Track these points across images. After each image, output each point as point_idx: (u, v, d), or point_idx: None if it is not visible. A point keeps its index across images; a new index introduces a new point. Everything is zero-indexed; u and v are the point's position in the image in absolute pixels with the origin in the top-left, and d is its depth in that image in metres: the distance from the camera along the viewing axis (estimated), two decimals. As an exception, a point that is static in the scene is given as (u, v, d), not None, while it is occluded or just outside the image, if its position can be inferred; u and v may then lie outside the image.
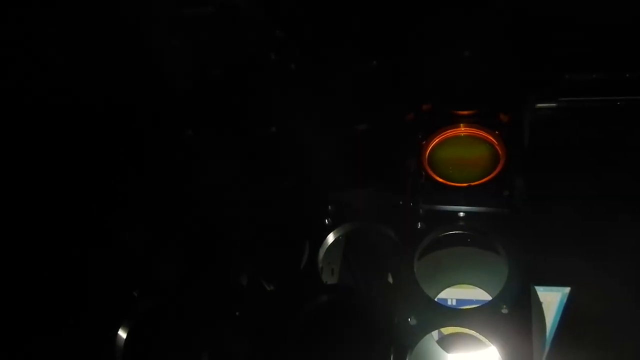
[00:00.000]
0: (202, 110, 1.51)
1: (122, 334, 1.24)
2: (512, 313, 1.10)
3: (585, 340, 1.39)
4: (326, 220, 1.31)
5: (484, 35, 1.37)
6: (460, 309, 1.18)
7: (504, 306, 1.11)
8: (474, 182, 1.25)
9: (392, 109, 1.37)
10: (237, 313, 1.25)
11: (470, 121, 1.33)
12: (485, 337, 1.10)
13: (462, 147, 1.32)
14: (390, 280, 1.45)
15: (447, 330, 1.34)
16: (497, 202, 1.22)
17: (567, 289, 1.47)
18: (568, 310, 1.46)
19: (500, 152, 1.28)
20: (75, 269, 1.33)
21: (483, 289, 1.44)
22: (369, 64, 1.43)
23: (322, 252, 1.28)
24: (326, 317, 1.18)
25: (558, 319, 1.48)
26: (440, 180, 1.27)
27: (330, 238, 1.29)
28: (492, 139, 1.30)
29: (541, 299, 1.28)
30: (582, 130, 1.39)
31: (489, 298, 1.40)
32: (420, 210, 1.26)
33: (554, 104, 1.38)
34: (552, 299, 1.48)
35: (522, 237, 1.18)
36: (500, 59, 1.36)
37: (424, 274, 1.23)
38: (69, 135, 1.45)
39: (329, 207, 1.32)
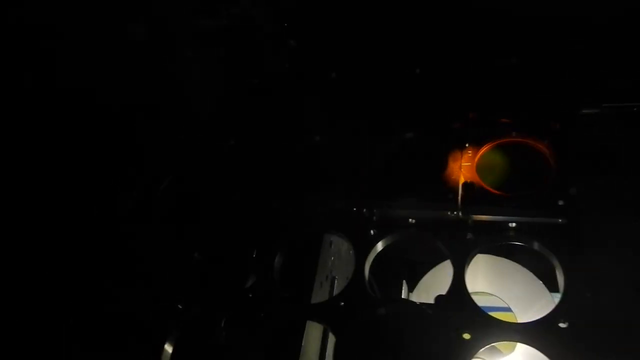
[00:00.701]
0: (238, 121, 1.50)
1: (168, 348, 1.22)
2: (571, 327, 1.07)
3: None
4: (371, 232, 1.28)
5: (531, 42, 1.34)
6: (517, 323, 1.15)
7: (562, 320, 1.08)
8: (524, 191, 1.22)
9: (439, 117, 1.35)
10: (255, 319, 1.23)
11: (519, 129, 1.29)
12: (543, 352, 1.07)
13: (511, 155, 1.28)
14: (405, 289, 1.43)
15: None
16: (550, 211, 1.19)
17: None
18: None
19: (551, 160, 1.25)
20: (77, 270, 1.32)
21: (498, 296, 1.42)
22: (415, 72, 1.41)
23: (368, 264, 1.25)
24: (380, 330, 1.15)
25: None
26: (491, 190, 1.24)
27: (379, 248, 1.26)
28: (543, 147, 1.27)
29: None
30: (624, 135, 1.35)
31: (505, 305, 1.41)
32: (470, 221, 1.24)
33: (598, 110, 1.35)
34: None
35: (579, 247, 1.14)
36: (547, 67, 1.33)
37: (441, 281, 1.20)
38: (75, 137, 1.44)
39: (374, 217, 1.29)
